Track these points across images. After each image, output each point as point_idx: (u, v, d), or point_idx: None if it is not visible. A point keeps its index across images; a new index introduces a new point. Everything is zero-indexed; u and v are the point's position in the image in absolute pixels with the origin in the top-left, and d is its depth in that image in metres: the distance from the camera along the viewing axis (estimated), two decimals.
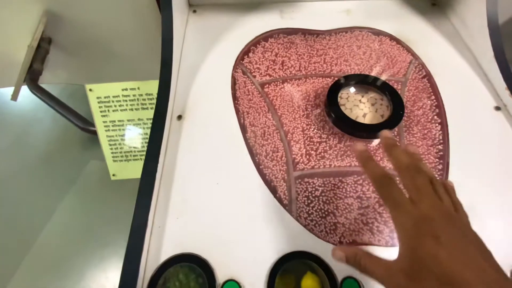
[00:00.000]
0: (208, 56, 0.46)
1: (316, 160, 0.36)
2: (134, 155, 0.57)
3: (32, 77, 0.68)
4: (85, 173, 1.10)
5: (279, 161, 0.36)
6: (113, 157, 0.57)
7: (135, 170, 0.58)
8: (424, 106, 0.40)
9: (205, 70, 0.44)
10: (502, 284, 0.18)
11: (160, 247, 0.30)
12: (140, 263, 0.27)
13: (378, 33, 0.48)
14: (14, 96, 0.70)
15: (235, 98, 0.42)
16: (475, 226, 0.23)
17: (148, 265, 0.29)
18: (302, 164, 0.36)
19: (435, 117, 0.39)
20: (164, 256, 0.29)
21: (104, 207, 1.02)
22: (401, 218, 0.22)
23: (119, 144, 0.56)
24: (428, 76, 0.43)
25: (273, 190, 0.34)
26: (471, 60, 0.44)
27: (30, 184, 1.07)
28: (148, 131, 0.57)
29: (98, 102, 0.53)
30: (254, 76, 0.44)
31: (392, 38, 0.48)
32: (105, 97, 0.53)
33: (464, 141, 0.37)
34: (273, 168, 0.36)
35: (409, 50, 0.46)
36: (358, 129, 0.37)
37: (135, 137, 0.56)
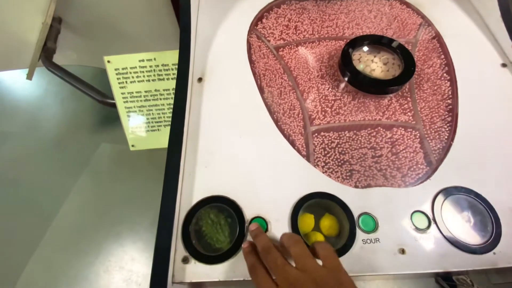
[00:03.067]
0: (223, 23, 0.48)
1: (332, 116, 0.38)
2: (152, 126, 0.59)
3: (47, 55, 0.70)
4: (96, 155, 1.13)
5: (296, 117, 0.38)
6: (131, 128, 0.59)
7: (154, 140, 0.60)
8: (434, 65, 0.42)
9: (221, 36, 0.46)
10: None
11: (192, 191, 0.32)
12: (176, 203, 0.30)
13: None
14: (30, 75, 0.72)
15: (251, 61, 0.44)
16: (482, 169, 0.24)
17: (182, 206, 0.31)
18: (318, 120, 0.38)
19: (445, 74, 0.41)
20: (196, 199, 0.32)
21: (117, 187, 1.06)
22: None
23: (138, 115, 0.58)
24: (438, 37, 0.45)
25: (292, 143, 0.36)
26: (479, 21, 0.46)
27: (44, 167, 1.11)
28: (165, 101, 0.59)
29: (116, 74, 0.55)
30: (269, 41, 0.46)
31: (402, 2, 0.49)
32: (122, 69, 0.55)
33: (472, 96, 0.39)
34: (290, 124, 0.38)
35: (419, 13, 0.47)
36: (371, 84, 0.38)
37: (152, 109, 0.58)
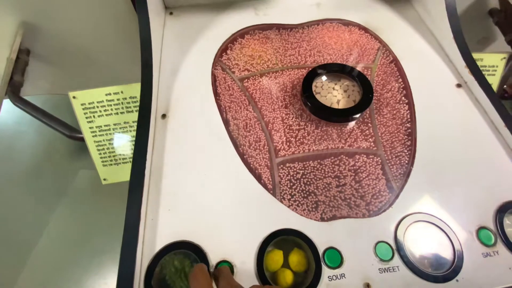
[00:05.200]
0: (188, 56, 0.48)
1: (296, 146, 0.39)
2: (123, 158, 0.58)
3: (13, 89, 0.68)
4: (75, 183, 1.10)
5: (261, 150, 0.39)
6: (102, 162, 0.58)
7: (125, 173, 0.59)
8: (392, 89, 0.43)
9: (185, 69, 0.46)
10: None
11: (155, 237, 0.31)
12: (136, 254, 0.29)
13: (347, 23, 0.51)
14: None
15: (216, 94, 0.44)
16: (442, 193, 0.25)
17: (145, 255, 0.30)
18: (283, 151, 0.38)
19: (403, 98, 0.43)
20: (159, 246, 0.31)
21: (97, 215, 1.03)
22: None
23: (107, 148, 0.57)
24: (395, 61, 0.46)
25: (258, 177, 0.36)
26: (434, 43, 0.48)
27: (20, 198, 1.07)
28: (135, 133, 0.58)
29: (83, 109, 0.54)
30: (233, 72, 0.46)
31: (360, 27, 0.51)
32: (89, 103, 0.54)
33: (429, 119, 0.40)
34: (256, 157, 0.38)
35: (376, 37, 0.49)
36: (332, 114, 0.39)
37: (123, 141, 0.57)
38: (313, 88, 0.42)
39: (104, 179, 0.60)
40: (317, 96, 0.42)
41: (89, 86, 1.01)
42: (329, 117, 0.40)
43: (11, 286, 0.86)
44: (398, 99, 0.42)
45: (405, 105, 0.42)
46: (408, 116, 0.41)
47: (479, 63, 0.54)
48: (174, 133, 0.40)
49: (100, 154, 0.57)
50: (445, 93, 0.43)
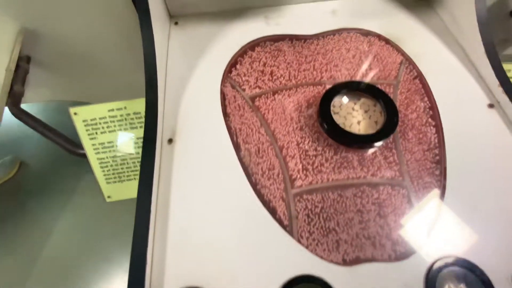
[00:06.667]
0: (195, 71, 0.45)
1: (314, 175, 0.36)
2: (127, 175, 0.56)
3: (13, 100, 0.65)
4: (80, 189, 1.09)
5: (276, 179, 0.36)
6: (106, 179, 0.56)
7: (130, 190, 0.57)
8: (417, 109, 0.40)
9: (192, 87, 0.43)
10: None
11: (162, 282, 0.29)
12: None
13: (366, 33, 0.47)
14: None
15: (226, 114, 0.41)
16: (476, 232, 0.22)
17: None
18: (300, 180, 0.35)
19: (429, 119, 0.39)
20: None
21: (103, 220, 1.02)
22: None
23: (111, 165, 0.54)
24: (420, 76, 0.43)
25: (273, 211, 0.33)
26: (462, 56, 0.44)
27: (26, 201, 1.06)
28: (139, 150, 0.55)
29: (85, 125, 0.51)
30: (244, 90, 0.43)
31: (381, 38, 0.47)
32: (91, 120, 0.51)
33: (459, 144, 0.37)
34: (270, 187, 0.35)
35: (398, 49, 0.45)
36: (351, 140, 0.36)
37: (127, 158, 0.54)
38: (331, 108, 0.39)
39: (108, 197, 0.57)
40: (335, 117, 0.38)
41: (91, 92, 0.98)
42: (349, 143, 0.36)
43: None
44: (424, 120, 0.39)
45: (432, 127, 0.38)
46: (436, 140, 0.37)
47: (509, 75, 0.49)
48: (181, 160, 0.37)
49: (103, 171, 0.55)
50: (475, 114, 0.39)
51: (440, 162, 0.36)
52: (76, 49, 0.77)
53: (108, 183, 0.56)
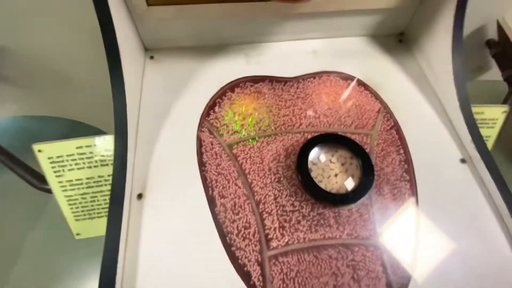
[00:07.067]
0: (171, 114, 0.43)
1: (290, 234, 0.35)
2: (98, 212, 0.53)
3: None
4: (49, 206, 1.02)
5: (251, 239, 0.35)
6: (75, 217, 0.52)
7: (101, 227, 0.54)
8: (393, 162, 0.40)
9: (167, 132, 0.41)
10: None
11: None
12: None
13: (346, 78, 0.47)
14: None
15: (201, 164, 0.39)
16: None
17: None
18: (276, 240, 0.35)
19: (404, 173, 0.39)
20: None
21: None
22: None
23: (80, 203, 0.51)
24: (396, 127, 0.43)
25: (247, 276, 0.32)
26: (438, 107, 0.45)
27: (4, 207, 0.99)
28: (110, 187, 0.52)
29: (50, 163, 0.48)
30: (222, 135, 0.41)
31: (360, 83, 0.47)
32: (57, 157, 0.47)
33: (432, 199, 0.38)
34: (245, 249, 0.34)
35: (377, 97, 0.46)
36: (327, 199, 0.36)
37: (97, 195, 0.51)
38: (309, 161, 0.38)
39: (78, 234, 0.54)
40: (314, 168, 0.38)
41: (63, 107, 0.92)
42: (325, 201, 0.36)
43: None
44: (399, 175, 0.39)
45: (406, 183, 0.39)
46: (410, 197, 0.38)
47: (479, 117, 0.51)
48: (151, 218, 0.35)
49: (71, 208, 0.52)
50: (448, 168, 0.40)
51: (413, 221, 0.36)
52: (45, 64, 0.72)
53: (77, 220, 0.53)
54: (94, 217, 0.53)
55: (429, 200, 0.38)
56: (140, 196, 0.36)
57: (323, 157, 0.39)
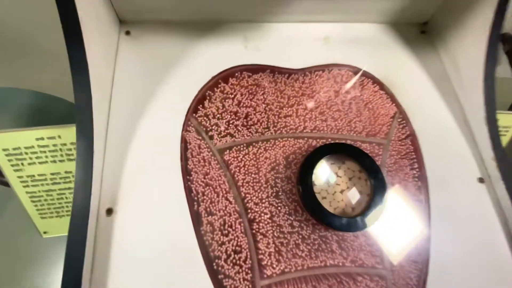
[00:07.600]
0: (149, 107, 0.35)
1: (287, 260, 0.31)
2: (67, 210, 0.47)
3: None
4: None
5: (242, 266, 0.30)
6: (40, 214, 0.46)
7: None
8: (406, 178, 0.36)
9: (144, 131, 0.34)
10: None
11: None
12: None
13: (359, 73, 0.40)
14: None
15: (186, 172, 0.33)
16: None
17: None
18: (271, 268, 0.30)
19: (417, 191, 0.35)
20: None
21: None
22: None
23: (45, 200, 0.45)
24: (412, 136, 0.38)
25: None
26: (459, 115, 0.39)
27: None
28: None
29: (6, 155, 0.40)
30: (211, 137, 0.35)
31: (375, 81, 0.40)
32: (13, 149, 0.40)
33: (446, 224, 0.34)
34: (235, 277, 0.29)
35: (393, 99, 0.40)
36: (334, 222, 0.31)
37: (65, 192, 0.44)
38: (312, 180, 0.33)
39: (45, 232, 0.48)
40: (317, 182, 0.33)
41: (29, 78, 0.81)
42: (330, 225, 0.31)
43: None
44: (412, 192, 0.35)
45: (418, 203, 0.35)
46: (422, 220, 0.34)
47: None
48: (123, 238, 0.29)
49: (36, 206, 0.45)
50: (464, 188, 0.36)
51: (424, 252, 0.33)
52: (6, 32, 0.60)
53: (43, 218, 0.47)
54: (63, 215, 0.47)
55: (442, 226, 0.34)
56: (109, 211, 0.30)
57: (328, 168, 0.34)
